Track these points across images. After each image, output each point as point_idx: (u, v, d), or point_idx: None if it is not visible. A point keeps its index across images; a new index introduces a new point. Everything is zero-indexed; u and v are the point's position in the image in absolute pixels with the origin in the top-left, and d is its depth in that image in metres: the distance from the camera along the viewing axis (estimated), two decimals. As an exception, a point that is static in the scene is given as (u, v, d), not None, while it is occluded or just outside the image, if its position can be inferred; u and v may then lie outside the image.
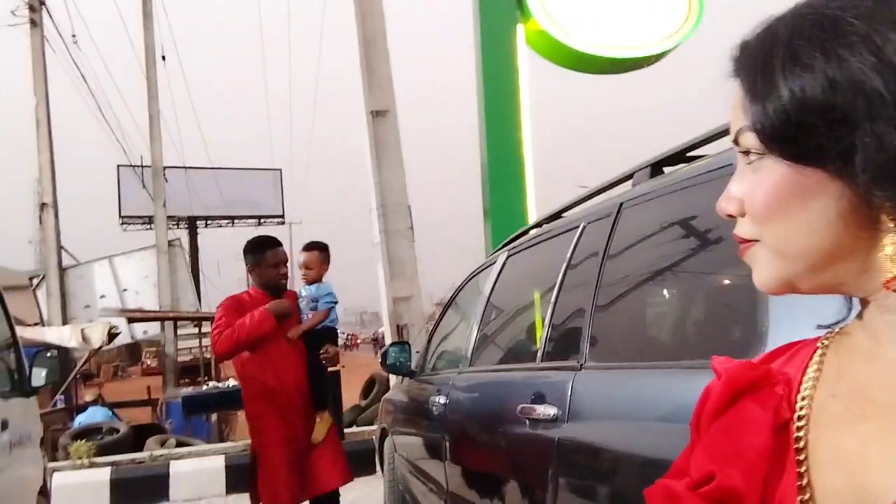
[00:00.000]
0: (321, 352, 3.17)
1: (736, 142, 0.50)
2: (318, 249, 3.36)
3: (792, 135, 0.45)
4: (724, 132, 1.40)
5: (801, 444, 0.48)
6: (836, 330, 0.53)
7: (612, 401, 1.46)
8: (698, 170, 1.37)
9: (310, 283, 3.30)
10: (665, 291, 1.55)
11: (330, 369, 3.24)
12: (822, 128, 0.43)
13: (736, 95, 0.49)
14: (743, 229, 0.50)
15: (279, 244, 3.25)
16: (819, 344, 0.53)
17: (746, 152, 0.49)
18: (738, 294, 1.18)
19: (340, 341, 3.77)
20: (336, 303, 3.30)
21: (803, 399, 0.49)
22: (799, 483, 0.46)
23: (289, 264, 3.35)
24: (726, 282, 1.30)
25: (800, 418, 0.48)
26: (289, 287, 3.32)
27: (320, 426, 3.13)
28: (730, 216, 0.51)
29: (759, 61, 0.47)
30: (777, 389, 0.50)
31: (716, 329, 1.30)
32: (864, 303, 0.49)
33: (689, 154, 1.58)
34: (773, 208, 0.47)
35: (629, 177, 1.75)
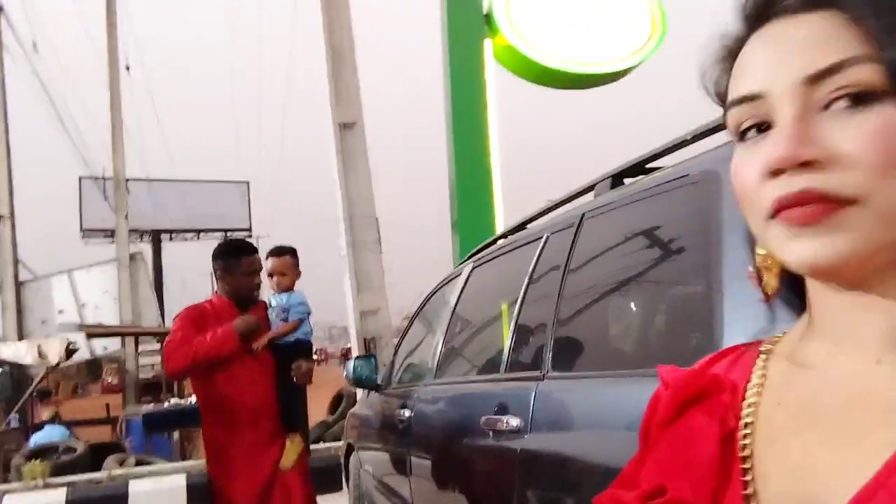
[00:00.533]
0: (291, 368, 2.87)
1: (814, 79, 0.41)
2: (290, 254, 3.07)
3: None
4: (681, 143, 1.42)
5: (747, 452, 0.46)
6: (779, 335, 0.52)
7: (573, 410, 1.46)
8: (657, 180, 1.39)
9: (283, 290, 3.01)
10: (625, 300, 1.56)
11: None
12: None
13: (820, 26, 0.42)
14: (838, 184, 0.40)
15: (256, 251, 2.99)
16: (762, 349, 0.52)
17: (838, 98, 0.41)
18: (696, 303, 1.19)
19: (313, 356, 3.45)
20: (309, 313, 3.01)
21: (749, 406, 0.48)
22: (744, 492, 0.45)
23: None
24: (685, 290, 1.31)
25: (745, 426, 0.47)
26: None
27: (290, 451, 2.81)
28: (797, 166, 0.41)
29: None
30: (723, 397, 0.49)
31: (674, 337, 1.30)
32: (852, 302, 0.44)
33: (647, 166, 1.60)
34: None
35: (591, 188, 1.77)
